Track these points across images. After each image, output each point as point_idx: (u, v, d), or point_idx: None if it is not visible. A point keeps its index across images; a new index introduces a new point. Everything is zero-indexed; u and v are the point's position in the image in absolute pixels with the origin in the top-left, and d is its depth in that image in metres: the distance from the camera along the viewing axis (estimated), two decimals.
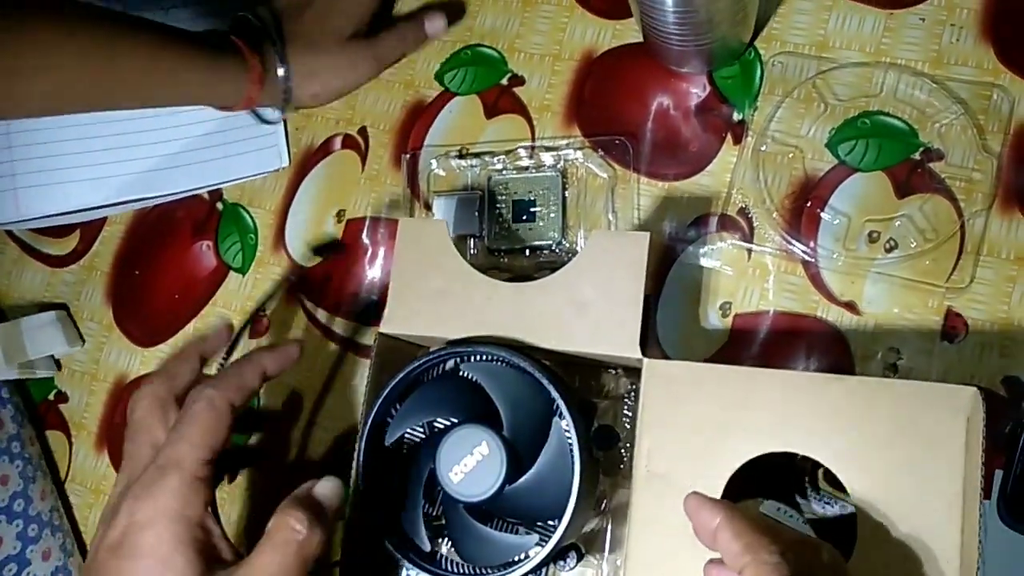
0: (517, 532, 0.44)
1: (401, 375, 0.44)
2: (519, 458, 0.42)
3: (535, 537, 0.42)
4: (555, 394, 0.42)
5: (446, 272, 0.47)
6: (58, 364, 0.63)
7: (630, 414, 0.48)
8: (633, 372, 0.48)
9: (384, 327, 0.47)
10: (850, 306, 0.48)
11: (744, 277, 0.50)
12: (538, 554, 0.41)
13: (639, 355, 0.43)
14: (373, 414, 0.44)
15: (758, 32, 0.53)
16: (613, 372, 0.49)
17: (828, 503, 0.45)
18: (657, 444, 0.42)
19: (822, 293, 0.49)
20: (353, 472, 0.44)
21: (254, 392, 0.45)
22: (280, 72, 0.55)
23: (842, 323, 0.48)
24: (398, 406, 0.45)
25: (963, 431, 0.37)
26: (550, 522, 0.43)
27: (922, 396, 0.38)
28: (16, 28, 0.43)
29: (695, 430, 0.41)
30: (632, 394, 0.48)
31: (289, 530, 0.38)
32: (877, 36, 0.51)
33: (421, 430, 0.46)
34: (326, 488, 0.41)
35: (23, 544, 0.55)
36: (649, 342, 0.49)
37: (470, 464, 0.41)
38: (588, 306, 0.44)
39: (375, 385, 0.46)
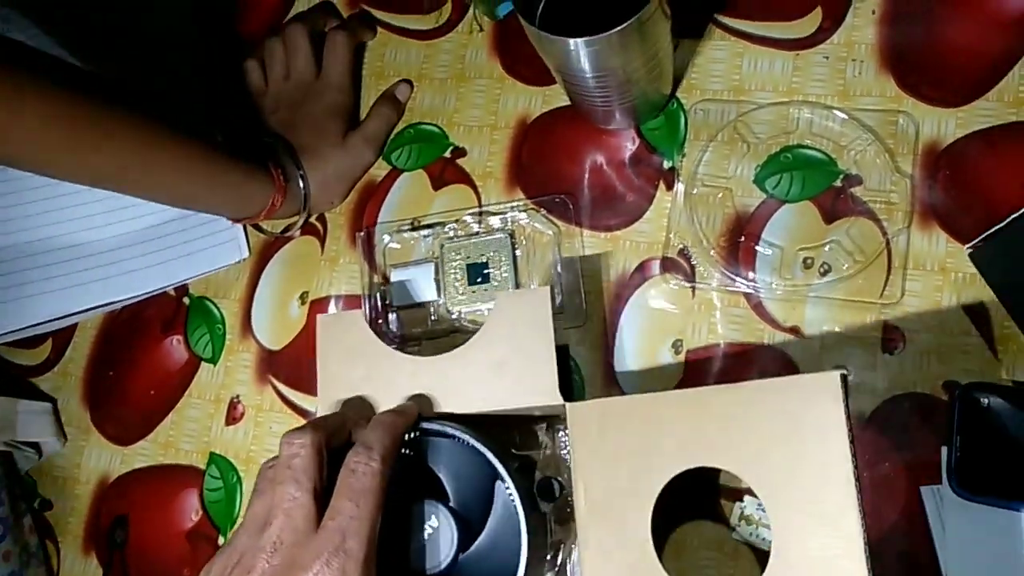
0: None
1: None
2: (468, 524, 0.43)
3: None
4: (490, 457, 0.44)
5: (367, 359, 0.49)
6: (39, 453, 0.64)
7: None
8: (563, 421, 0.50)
9: None
10: (794, 330, 0.51)
11: (691, 314, 0.53)
12: None
13: (560, 400, 0.45)
14: None
15: (677, 84, 0.56)
16: (544, 426, 0.51)
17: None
18: (590, 480, 0.44)
19: (766, 321, 0.51)
20: None
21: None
22: (299, 182, 0.58)
23: (789, 347, 0.50)
24: None
25: (843, 414, 0.39)
26: None
27: (801, 388, 0.41)
28: (82, 106, 0.46)
29: (619, 460, 0.43)
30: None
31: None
32: (788, 76, 0.55)
33: None
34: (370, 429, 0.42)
35: None
36: (584, 388, 0.52)
37: (421, 540, 0.42)
38: (505, 364, 0.47)
39: None
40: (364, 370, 0.49)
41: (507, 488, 0.43)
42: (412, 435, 0.45)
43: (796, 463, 0.40)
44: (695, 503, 0.50)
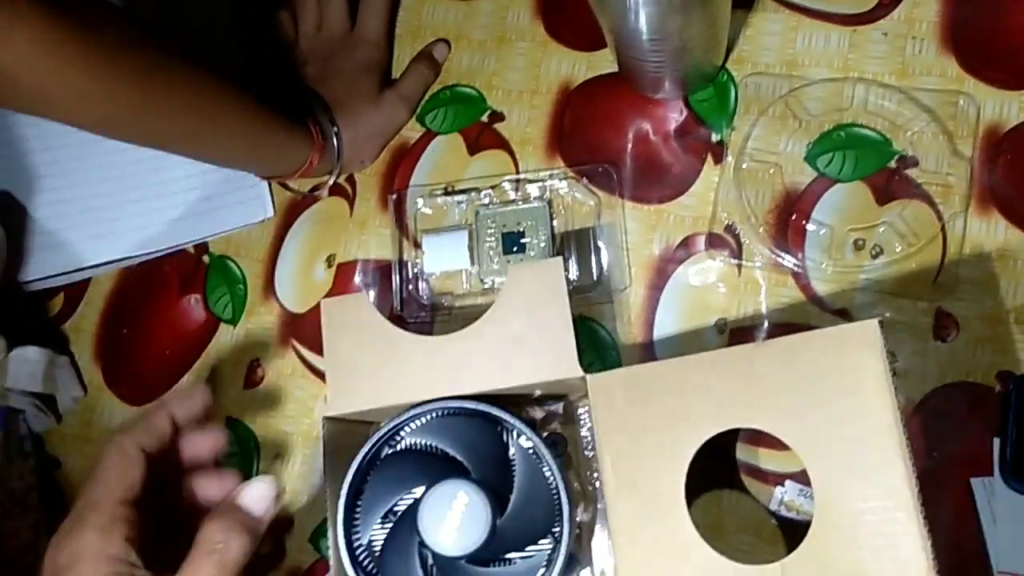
0: (513, 564, 0.44)
1: (350, 475, 0.44)
2: (496, 493, 0.42)
3: (539, 556, 0.43)
4: (500, 414, 0.43)
5: (377, 342, 0.47)
6: (57, 416, 0.61)
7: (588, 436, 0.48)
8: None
9: (329, 411, 0.47)
10: (842, 313, 0.49)
11: (737, 292, 0.51)
12: (555, 561, 0.42)
13: (580, 373, 0.44)
14: (341, 518, 0.44)
15: (729, 55, 0.54)
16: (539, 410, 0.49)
17: None
18: (617, 452, 0.42)
19: (814, 303, 0.50)
20: None
21: (164, 436, 0.42)
22: (334, 140, 0.56)
23: None
24: (359, 503, 0.45)
25: (881, 363, 0.38)
26: (542, 541, 0.43)
27: (836, 340, 0.39)
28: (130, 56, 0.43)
29: (647, 430, 0.42)
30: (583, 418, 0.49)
31: (210, 542, 0.38)
32: (843, 52, 0.53)
33: (389, 519, 0.45)
34: (251, 494, 0.40)
35: None
36: (621, 365, 0.51)
37: (455, 519, 0.41)
38: (522, 339, 0.45)
39: (332, 473, 0.46)
40: (374, 353, 0.47)
41: (525, 438, 0.43)
42: (414, 424, 0.44)
43: (835, 416, 0.38)
44: (719, 476, 0.49)
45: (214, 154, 0.52)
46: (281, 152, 0.54)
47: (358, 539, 0.45)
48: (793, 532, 0.47)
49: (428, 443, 0.45)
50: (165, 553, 0.38)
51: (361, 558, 0.44)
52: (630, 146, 0.55)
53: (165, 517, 0.41)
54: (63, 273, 0.61)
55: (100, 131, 0.44)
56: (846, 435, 0.38)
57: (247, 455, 0.57)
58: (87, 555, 0.37)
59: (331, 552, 0.45)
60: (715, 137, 0.54)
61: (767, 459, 0.49)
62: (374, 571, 0.44)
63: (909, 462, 0.37)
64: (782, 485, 0.48)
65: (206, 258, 0.62)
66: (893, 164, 0.50)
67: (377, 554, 0.45)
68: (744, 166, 0.52)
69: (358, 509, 0.45)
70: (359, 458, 0.45)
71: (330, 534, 0.45)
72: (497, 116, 0.58)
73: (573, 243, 0.54)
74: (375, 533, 0.45)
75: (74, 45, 0.39)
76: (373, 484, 0.45)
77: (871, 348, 0.38)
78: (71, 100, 0.41)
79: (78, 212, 0.61)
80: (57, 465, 0.62)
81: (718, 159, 0.53)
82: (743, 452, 0.49)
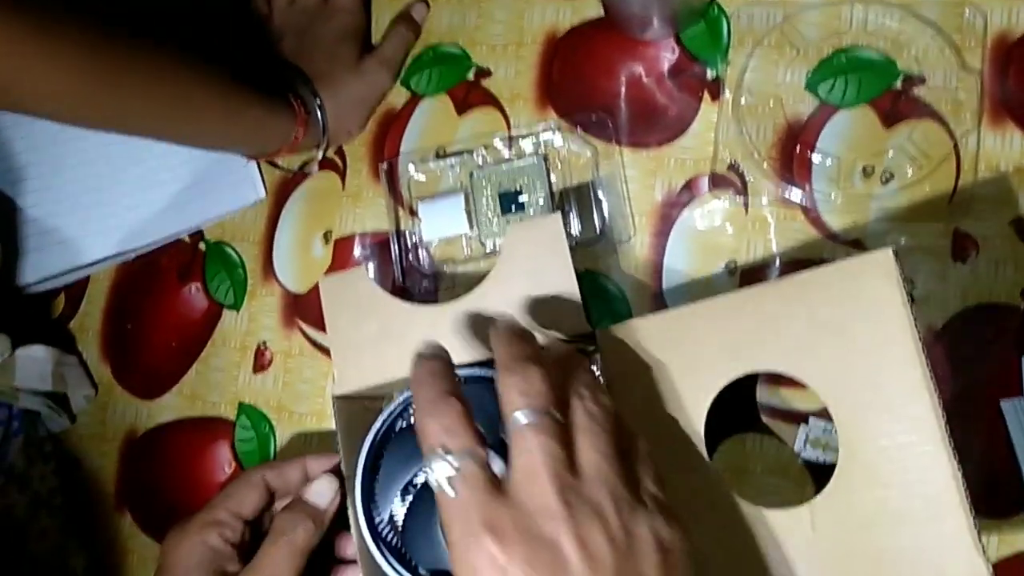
0: None
1: (364, 451, 0.44)
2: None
3: None
4: None
5: (380, 315, 0.46)
6: (71, 416, 0.61)
7: None
8: None
9: (338, 389, 0.46)
10: (856, 244, 0.48)
11: (745, 232, 0.49)
12: None
13: (589, 329, 0.43)
14: (360, 496, 0.44)
15: None
16: None
17: None
18: (632, 407, 0.41)
19: (826, 235, 0.48)
20: (361, 560, 0.44)
21: (290, 483, 0.48)
22: (318, 113, 0.55)
23: None
24: (377, 479, 0.44)
25: (898, 293, 0.36)
26: None
27: (849, 272, 0.38)
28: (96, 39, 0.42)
29: (661, 381, 0.41)
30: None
31: (281, 529, 0.44)
32: None
33: (409, 493, 0.44)
34: (318, 489, 0.46)
35: None
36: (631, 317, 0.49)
37: None
38: (527, 300, 0.44)
39: (347, 452, 0.46)
40: (377, 327, 0.46)
41: None
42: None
43: (854, 352, 0.37)
44: (740, 420, 0.48)
45: (193, 136, 0.50)
46: (262, 128, 0.52)
47: (379, 515, 0.44)
48: (820, 472, 0.46)
49: None
50: None
51: (384, 533, 0.44)
52: (623, 91, 0.53)
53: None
54: (61, 274, 0.60)
55: (72, 121, 0.43)
56: (866, 371, 0.37)
57: (263, 439, 0.57)
58: (187, 540, 0.44)
59: (353, 530, 0.45)
60: (710, 74, 0.52)
61: (789, 398, 0.47)
62: (398, 545, 0.44)
63: (934, 393, 0.35)
64: (806, 423, 0.47)
65: (202, 245, 0.61)
66: (898, 85, 0.48)
67: (400, 528, 0.44)
68: (743, 101, 0.50)
69: (376, 485, 0.44)
70: (372, 434, 0.44)
71: (350, 512, 0.44)
72: (483, 72, 0.56)
73: (573, 197, 0.53)
74: (396, 507, 0.44)
75: (36, 43, 0.38)
76: (389, 459, 0.44)
77: (886, 278, 0.37)
78: (41, 95, 0.41)
79: (69, 211, 0.60)
80: (77, 466, 0.61)
81: (715, 96, 0.51)
82: (764, 394, 0.48)
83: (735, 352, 0.39)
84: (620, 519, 0.32)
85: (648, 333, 0.42)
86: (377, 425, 0.44)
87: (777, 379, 0.47)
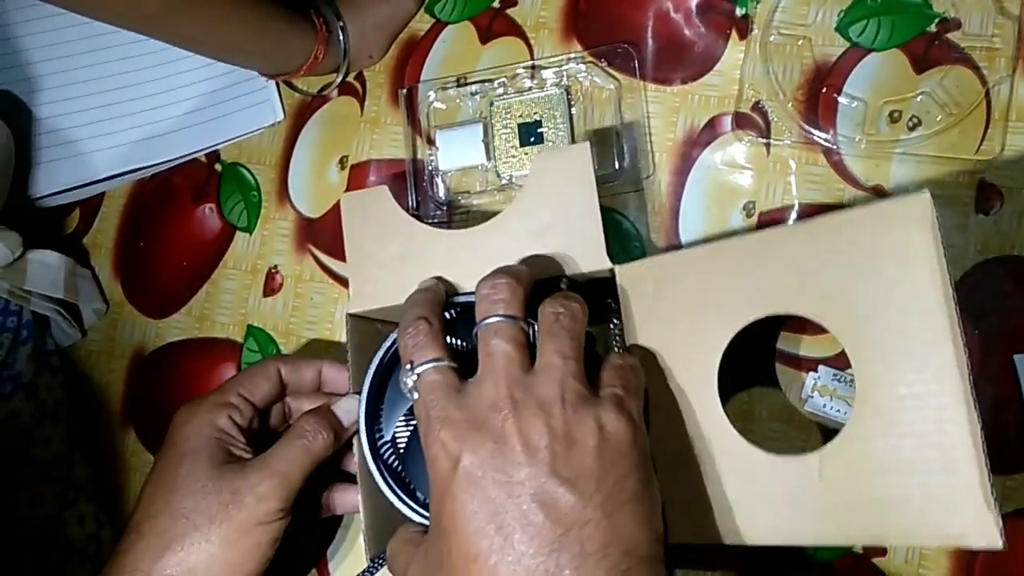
0: None
1: (372, 369, 0.44)
2: None
3: None
4: None
5: (400, 236, 0.46)
6: (82, 329, 0.61)
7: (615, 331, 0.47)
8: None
9: (352, 307, 0.46)
10: (877, 190, 0.47)
11: (765, 174, 0.49)
12: None
13: (609, 265, 0.42)
14: (363, 410, 0.44)
15: None
16: None
17: None
18: (646, 342, 0.41)
19: (847, 180, 0.47)
20: (361, 477, 0.44)
21: (304, 380, 0.49)
22: (339, 34, 0.54)
23: None
24: (384, 400, 0.45)
25: (932, 239, 0.35)
26: None
27: (882, 215, 0.36)
28: None
29: (679, 320, 0.40)
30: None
31: (302, 430, 0.44)
32: None
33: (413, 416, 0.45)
34: (343, 405, 0.46)
35: (60, 506, 0.54)
36: (645, 256, 0.49)
37: None
38: (548, 230, 0.44)
39: (355, 371, 0.46)
40: (396, 248, 0.46)
41: None
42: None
43: (881, 296, 0.36)
44: (762, 373, 0.47)
45: (209, 43, 0.50)
46: (282, 43, 0.51)
47: (380, 435, 0.44)
48: (825, 426, 0.46)
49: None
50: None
51: (384, 453, 0.44)
52: (651, 25, 0.52)
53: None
54: (75, 187, 0.60)
55: (82, 9, 0.43)
56: (892, 317, 0.36)
57: None
58: (196, 418, 0.44)
59: (355, 447, 0.45)
60: (739, 11, 0.50)
61: (800, 345, 0.47)
62: (397, 466, 0.44)
63: (960, 344, 0.34)
64: (815, 370, 0.46)
65: (218, 166, 0.60)
66: (933, 28, 0.47)
67: (401, 450, 0.44)
68: (771, 40, 0.49)
69: (381, 406, 0.44)
70: (380, 354, 0.44)
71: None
72: (509, 0, 0.55)
73: (593, 131, 0.52)
74: (399, 429, 0.44)
75: None
76: (396, 381, 0.44)
77: (921, 223, 0.35)
78: None
79: (85, 125, 0.60)
80: (85, 381, 0.62)
81: (743, 34, 0.50)
82: (784, 342, 0.47)
83: (757, 293, 0.39)
84: (565, 412, 0.35)
85: (669, 271, 0.41)
86: (387, 345, 0.44)
87: (800, 328, 0.47)
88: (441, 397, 0.36)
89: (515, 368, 0.36)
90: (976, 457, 0.33)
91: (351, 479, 0.47)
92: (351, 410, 0.45)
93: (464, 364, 0.38)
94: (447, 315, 0.42)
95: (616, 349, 0.42)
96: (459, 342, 0.42)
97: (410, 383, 0.38)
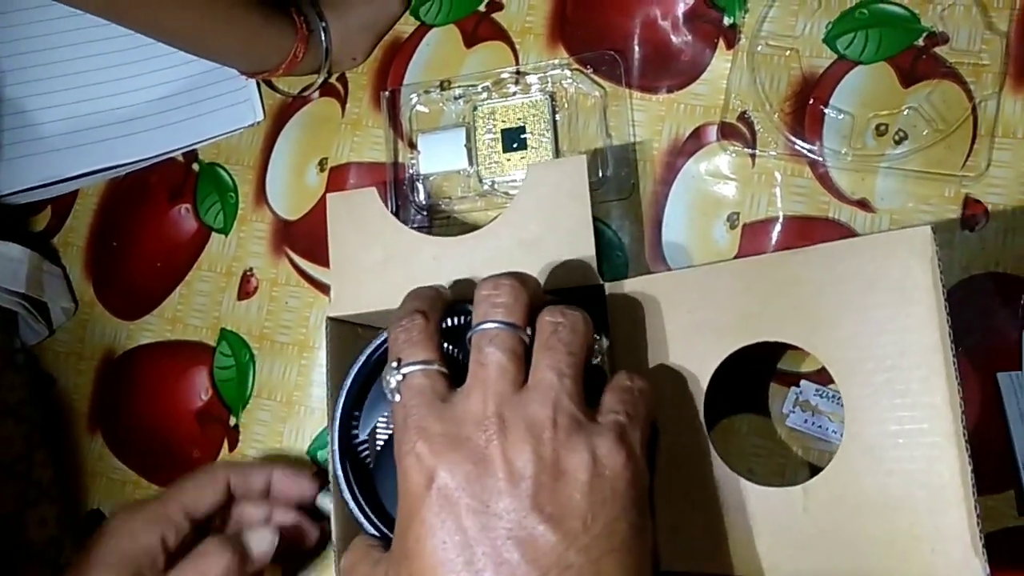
0: None
1: (356, 368, 0.42)
2: None
3: None
4: None
5: (385, 240, 0.45)
6: (49, 326, 0.59)
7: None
8: None
9: (332, 311, 0.45)
10: (863, 204, 0.46)
11: (750, 185, 0.48)
12: None
13: (599, 281, 0.41)
14: (339, 414, 0.42)
15: None
16: None
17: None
18: (635, 362, 0.40)
19: (832, 193, 0.47)
20: (332, 483, 0.42)
21: (253, 489, 0.47)
22: (321, 34, 0.53)
23: (856, 222, 0.46)
24: (364, 402, 0.43)
25: (931, 274, 0.34)
26: None
27: (882, 246, 0.36)
28: None
29: (667, 342, 0.39)
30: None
31: (202, 553, 0.42)
32: None
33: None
34: (256, 537, 0.44)
35: (20, 507, 0.53)
36: (628, 266, 0.49)
37: None
38: (538, 243, 0.43)
39: (335, 375, 0.44)
40: (382, 253, 0.45)
41: None
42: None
43: (876, 330, 0.35)
44: (745, 395, 0.46)
45: (184, 34, 0.49)
46: (257, 39, 0.50)
47: (356, 433, 0.42)
48: (805, 441, 0.45)
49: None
50: None
51: (360, 451, 0.42)
52: (637, 32, 0.51)
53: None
54: (46, 184, 0.59)
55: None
56: (886, 352, 0.35)
57: (242, 367, 0.56)
58: (127, 531, 0.43)
59: (328, 454, 0.43)
60: (727, 20, 0.50)
61: (782, 359, 0.46)
62: (369, 463, 0.42)
63: (955, 383, 0.33)
64: (797, 385, 0.46)
65: (195, 166, 0.59)
66: (920, 42, 0.47)
67: (379, 448, 0.43)
68: (759, 50, 0.49)
69: (359, 410, 0.43)
70: (364, 356, 0.42)
71: (329, 434, 0.43)
72: (495, 5, 0.54)
73: (577, 138, 0.51)
74: (380, 427, 0.43)
75: None
76: (379, 387, 0.43)
77: (921, 257, 0.34)
78: None
79: (57, 120, 0.59)
80: (52, 383, 0.60)
81: (731, 44, 0.50)
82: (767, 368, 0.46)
83: (749, 318, 0.38)
84: (557, 438, 0.31)
85: (660, 291, 0.40)
86: (371, 348, 0.42)
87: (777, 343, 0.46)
88: (423, 404, 0.33)
89: (507, 383, 0.32)
90: (966, 498, 0.33)
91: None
92: (263, 540, 0.43)
93: (458, 376, 0.35)
94: (451, 321, 0.39)
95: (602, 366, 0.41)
96: (458, 353, 0.39)
97: (393, 383, 0.34)
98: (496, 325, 0.33)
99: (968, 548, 0.32)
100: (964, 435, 0.33)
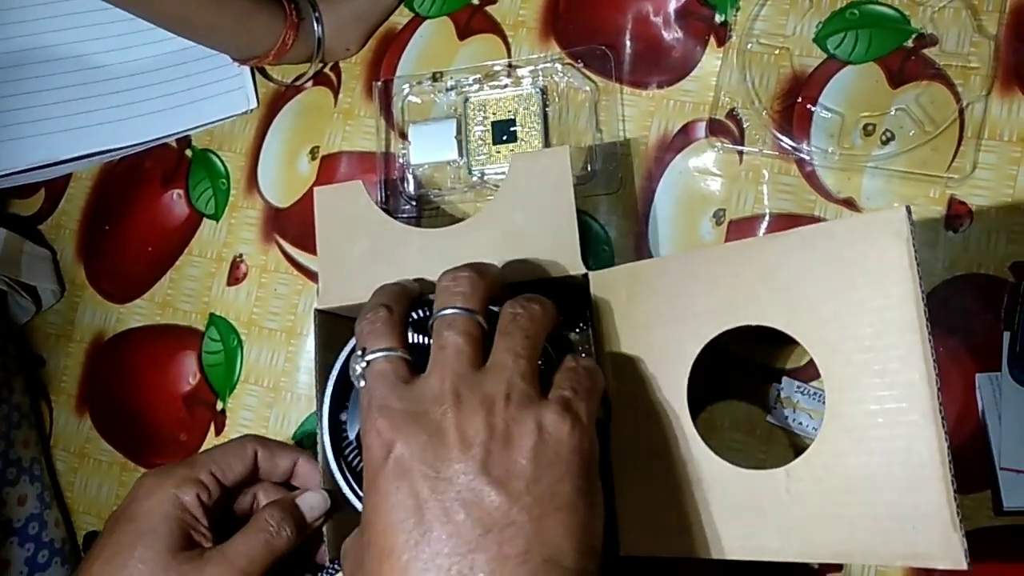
0: None
1: (341, 363, 0.42)
2: None
3: None
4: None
5: (372, 232, 0.45)
6: (37, 306, 0.60)
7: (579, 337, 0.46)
8: None
9: (321, 303, 0.45)
10: (848, 203, 0.46)
11: (737, 181, 0.48)
12: None
13: (583, 270, 0.42)
14: (327, 409, 0.42)
15: None
16: None
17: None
18: (617, 349, 0.40)
19: (819, 192, 0.47)
20: (321, 476, 0.43)
21: (277, 469, 0.46)
22: (315, 22, 0.53)
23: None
24: (349, 400, 0.43)
25: (907, 255, 0.34)
26: None
27: (857, 229, 0.36)
28: None
29: (651, 328, 0.40)
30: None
31: (264, 523, 0.42)
32: None
33: None
34: (309, 500, 0.44)
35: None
36: (614, 260, 0.49)
37: None
38: (522, 233, 0.43)
39: (322, 368, 0.44)
40: (368, 244, 0.45)
41: None
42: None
43: (854, 311, 0.35)
44: (727, 384, 0.47)
45: (171, 16, 0.49)
46: (245, 22, 0.50)
47: (345, 434, 0.43)
48: (787, 436, 0.45)
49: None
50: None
51: (348, 455, 0.43)
52: (629, 27, 0.51)
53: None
54: (39, 167, 0.59)
55: None
56: (864, 332, 0.35)
57: (230, 353, 0.56)
58: (161, 492, 0.42)
59: (319, 447, 0.43)
60: (719, 18, 0.50)
61: (765, 356, 0.46)
62: (358, 466, 0.42)
63: (932, 362, 0.33)
64: (779, 382, 0.46)
65: (188, 152, 0.60)
66: (910, 44, 0.47)
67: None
68: (749, 48, 0.49)
69: (345, 409, 0.43)
70: (348, 349, 0.43)
71: (318, 428, 0.43)
72: None
73: (568, 132, 0.51)
74: None
75: None
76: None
77: (896, 237, 0.34)
78: None
79: (52, 103, 0.59)
80: (41, 363, 0.61)
81: (721, 41, 0.50)
82: (745, 353, 0.47)
83: (729, 303, 0.38)
84: (508, 410, 0.33)
85: (642, 278, 0.40)
86: (352, 343, 0.43)
87: (760, 338, 0.46)
88: (385, 385, 0.35)
89: (464, 363, 0.34)
90: (944, 476, 0.33)
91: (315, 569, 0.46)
92: (315, 506, 0.43)
93: (423, 362, 0.37)
94: (418, 313, 0.40)
95: (582, 355, 0.42)
96: (427, 342, 0.40)
97: (359, 370, 0.36)
98: (454, 311, 0.36)
99: (948, 525, 0.32)
100: (940, 412, 0.33)
